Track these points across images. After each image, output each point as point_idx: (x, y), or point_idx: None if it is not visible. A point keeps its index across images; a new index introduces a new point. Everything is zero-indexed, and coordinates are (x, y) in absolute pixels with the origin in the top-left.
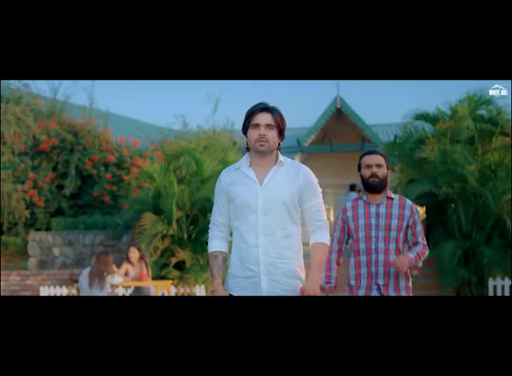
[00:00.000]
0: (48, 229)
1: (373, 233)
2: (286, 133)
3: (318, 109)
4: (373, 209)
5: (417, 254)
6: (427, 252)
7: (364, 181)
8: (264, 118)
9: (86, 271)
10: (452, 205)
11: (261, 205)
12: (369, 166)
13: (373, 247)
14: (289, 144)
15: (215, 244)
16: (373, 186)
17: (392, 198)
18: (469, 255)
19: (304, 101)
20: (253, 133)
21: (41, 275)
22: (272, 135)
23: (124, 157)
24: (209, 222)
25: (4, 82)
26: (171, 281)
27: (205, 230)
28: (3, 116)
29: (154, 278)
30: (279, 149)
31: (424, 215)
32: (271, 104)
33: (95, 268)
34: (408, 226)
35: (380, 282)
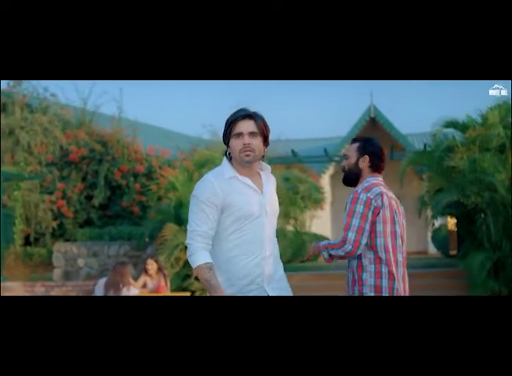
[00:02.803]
0: (76, 239)
1: None
2: (317, 143)
3: (350, 118)
4: None
5: (327, 244)
6: (340, 250)
7: None
8: (246, 126)
9: (102, 281)
10: (482, 215)
11: (268, 216)
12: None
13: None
14: (318, 153)
15: (205, 255)
16: (343, 181)
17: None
18: (499, 267)
19: (335, 111)
20: (236, 143)
21: (66, 286)
22: (257, 143)
23: (153, 167)
24: None
25: (31, 91)
26: (189, 293)
27: None
28: (30, 126)
29: (175, 290)
30: (263, 156)
31: (454, 226)
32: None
33: (110, 279)
34: None
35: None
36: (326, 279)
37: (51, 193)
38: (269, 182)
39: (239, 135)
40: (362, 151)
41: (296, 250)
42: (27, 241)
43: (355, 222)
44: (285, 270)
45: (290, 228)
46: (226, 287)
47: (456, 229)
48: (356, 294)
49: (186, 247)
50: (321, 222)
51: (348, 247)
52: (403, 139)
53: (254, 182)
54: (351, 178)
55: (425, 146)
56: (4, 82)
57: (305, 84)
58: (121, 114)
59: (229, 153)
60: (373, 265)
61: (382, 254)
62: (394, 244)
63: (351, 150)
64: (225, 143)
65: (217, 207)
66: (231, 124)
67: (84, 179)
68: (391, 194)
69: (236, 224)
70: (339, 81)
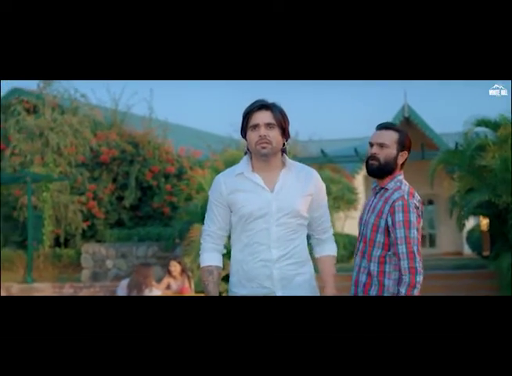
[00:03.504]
0: (104, 240)
1: (360, 229)
2: (350, 143)
3: (383, 119)
4: (370, 200)
5: (392, 288)
6: (414, 289)
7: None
8: (263, 117)
9: (124, 283)
10: None
11: (275, 215)
12: (370, 145)
13: (358, 246)
14: (348, 153)
15: (210, 257)
16: (371, 171)
17: (387, 189)
18: None
19: (368, 111)
20: (252, 135)
21: (94, 287)
22: (274, 135)
23: (184, 167)
24: None
25: (61, 92)
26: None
27: None
28: (59, 127)
29: (202, 291)
30: (284, 150)
31: (486, 226)
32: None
33: (133, 280)
34: (388, 227)
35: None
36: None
37: (81, 194)
38: (293, 179)
39: (256, 126)
40: (402, 145)
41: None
42: (57, 242)
43: (414, 234)
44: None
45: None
46: (238, 289)
47: (488, 230)
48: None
49: None
50: (355, 223)
51: (418, 277)
52: (438, 138)
53: (267, 178)
54: (384, 172)
55: (456, 145)
56: (34, 83)
57: (337, 84)
58: (152, 115)
59: (248, 149)
60: (397, 273)
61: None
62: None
63: (391, 140)
64: (242, 137)
65: (224, 207)
66: (247, 115)
67: (115, 180)
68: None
69: (240, 223)
70: (371, 81)
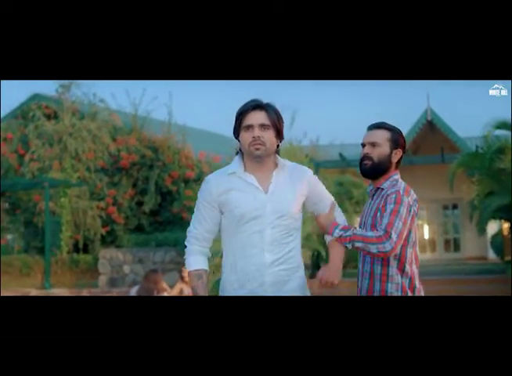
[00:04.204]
0: (122, 246)
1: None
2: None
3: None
4: (367, 203)
5: (360, 235)
6: (375, 246)
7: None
8: (257, 117)
9: (134, 290)
10: None
11: (270, 217)
12: (362, 146)
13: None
14: None
15: (198, 260)
16: (364, 171)
17: (382, 188)
18: None
19: (390, 115)
20: (246, 136)
21: (111, 293)
22: (269, 136)
23: (204, 172)
24: None
25: (79, 97)
26: None
27: None
28: (77, 132)
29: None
30: (277, 152)
31: (508, 230)
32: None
33: (144, 287)
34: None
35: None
36: None
37: (101, 200)
38: (287, 179)
39: (250, 127)
40: (395, 143)
41: (348, 256)
42: (76, 248)
43: (399, 224)
44: (342, 276)
45: None
46: (237, 288)
47: (508, 234)
48: None
49: None
50: None
51: (388, 246)
52: (461, 142)
53: (260, 179)
54: (377, 171)
55: (477, 147)
56: (53, 89)
57: (359, 86)
58: (172, 120)
59: (240, 149)
60: (399, 277)
61: (407, 266)
62: (414, 255)
63: (382, 138)
64: (235, 137)
65: (214, 208)
66: (240, 115)
67: (134, 185)
68: None
69: (233, 225)
70: (394, 83)
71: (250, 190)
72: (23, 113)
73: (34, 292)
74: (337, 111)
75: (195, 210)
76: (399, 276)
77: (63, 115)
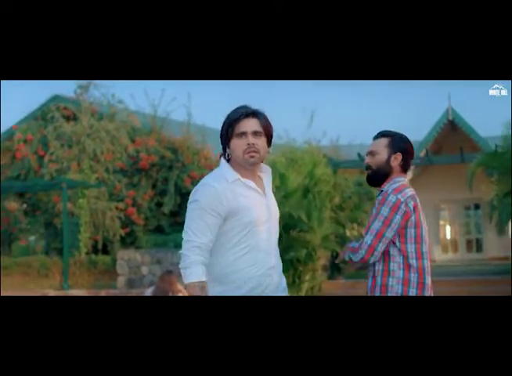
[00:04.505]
0: (140, 247)
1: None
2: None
3: (425, 122)
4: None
5: (350, 246)
6: (355, 255)
7: None
8: (250, 125)
9: (149, 291)
10: None
11: (273, 221)
12: (366, 155)
13: None
14: None
15: (201, 271)
16: (367, 180)
17: (382, 191)
18: None
19: (410, 115)
20: (239, 143)
21: (130, 294)
22: (262, 143)
23: None
24: (293, 240)
25: (98, 98)
26: None
27: (289, 247)
28: (95, 133)
29: None
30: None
31: None
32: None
33: (159, 288)
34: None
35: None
36: None
37: (120, 201)
38: (269, 184)
39: (243, 134)
40: (393, 148)
41: None
42: (95, 249)
43: (376, 225)
44: (361, 277)
45: (354, 233)
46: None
47: None
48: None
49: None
50: None
51: (361, 252)
52: (483, 141)
53: (256, 184)
54: (378, 177)
55: (496, 147)
56: (71, 90)
57: (378, 86)
58: (191, 120)
59: (228, 155)
60: (401, 271)
61: (413, 261)
62: (422, 250)
63: (380, 146)
64: (223, 144)
65: (220, 217)
66: (233, 123)
67: (154, 186)
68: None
69: (242, 232)
70: (415, 83)
71: (255, 196)
72: (42, 115)
73: (52, 293)
74: (357, 111)
75: (194, 218)
76: (401, 271)
77: (82, 116)
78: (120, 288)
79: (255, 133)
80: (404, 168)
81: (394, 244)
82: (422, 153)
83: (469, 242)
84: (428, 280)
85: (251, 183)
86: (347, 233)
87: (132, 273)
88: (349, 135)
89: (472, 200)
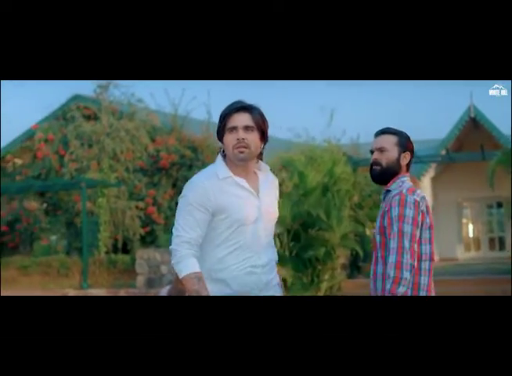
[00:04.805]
0: (159, 246)
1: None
2: (417, 146)
3: (446, 120)
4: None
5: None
6: (399, 289)
7: None
8: (241, 119)
9: (164, 291)
10: None
11: (264, 221)
12: (371, 153)
13: (373, 254)
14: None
15: (194, 263)
16: (374, 177)
17: (390, 190)
18: None
19: (432, 112)
20: (230, 138)
21: (149, 293)
22: (253, 138)
23: None
24: (312, 238)
25: (118, 97)
26: None
27: (307, 246)
28: (115, 133)
29: None
30: (261, 154)
31: None
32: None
33: (174, 287)
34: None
35: None
36: None
37: (141, 200)
38: (268, 183)
39: (233, 129)
40: (403, 146)
41: None
42: (115, 248)
43: (407, 228)
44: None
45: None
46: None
47: None
48: None
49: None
50: None
51: (408, 263)
52: (505, 139)
53: (249, 183)
54: (387, 175)
55: None
56: (91, 89)
57: (399, 85)
58: (211, 119)
59: (223, 151)
60: (412, 277)
61: (426, 264)
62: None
63: (390, 144)
64: (219, 139)
65: (208, 212)
66: (225, 117)
67: (174, 186)
68: None
69: (229, 229)
70: (434, 82)
71: (246, 195)
72: (63, 114)
73: (72, 293)
74: (377, 110)
75: (183, 213)
76: (412, 277)
77: (101, 115)
78: (139, 288)
79: (246, 128)
80: (408, 168)
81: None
82: (443, 151)
83: (491, 240)
84: (424, 280)
85: (243, 182)
86: (367, 231)
87: (152, 273)
88: (369, 134)
89: (494, 198)
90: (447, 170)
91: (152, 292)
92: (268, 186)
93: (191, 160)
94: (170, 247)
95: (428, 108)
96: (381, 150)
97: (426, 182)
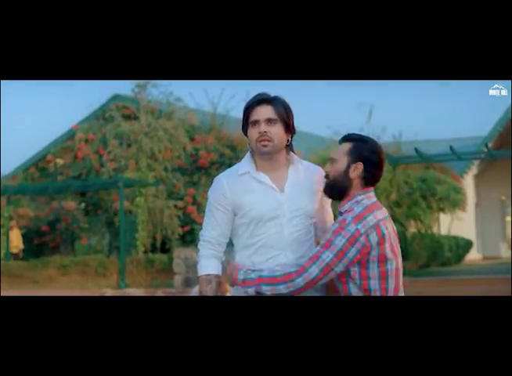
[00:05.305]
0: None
1: None
2: (455, 143)
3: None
4: None
5: (268, 277)
6: (285, 285)
7: None
8: (263, 112)
9: (195, 291)
10: None
11: (288, 216)
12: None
13: None
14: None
15: (209, 265)
16: (325, 193)
17: (341, 212)
18: None
19: (474, 110)
20: (253, 132)
21: (186, 293)
22: (276, 131)
23: None
24: None
25: (156, 96)
26: None
27: None
28: (153, 132)
29: None
30: (290, 148)
31: None
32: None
33: None
34: None
35: None
36: (450, 285)
37: (180, 199)
38: (299, 177)
39: (256, 122)
40: (355, 155)
41: (431, 254)
42: (154, 247)
43: (326, 256)
44: (420, 275)
45: (413, 230)
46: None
47: None
48: None
49: None
50: (461, 225)
51: (300, 282)
52: None
53: (274, 177)
54: (335, 190)
55: None
56: (129, 89)
57: (441, 83)
58: None
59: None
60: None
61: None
62: (396, 285)
63: (340, 153)
64: (244, 134)
65: (228, 211)
66: (247, 110)
67: None
68: (384, 216)
69: (249, 227)
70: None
71: (265, 190)
72: (103, 114)
73: (109, 292)
74: (419, 108)
75: (206, 212)
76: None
77: (140, 115)
78: (176, 287)
79: (269, 121)
80: (367, 182)
81: (353, 280)
82: (485, 149)
83: None
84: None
85: (263, 177)
86: (404, 230)
87: (189, 272)
88: (411, 132)
89: None
90: (490, 167)
91: (189, 292)
92: (300, 180)
93: (230, 159)
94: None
95: (470, 106)
96: (331, 160)
97: (468, 179)
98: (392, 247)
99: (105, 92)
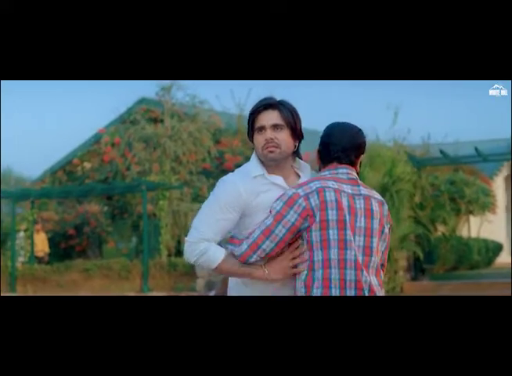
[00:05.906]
0: None
1: None
2: (483, 144)
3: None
4: None
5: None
6: (240, 247)
7: None
8: (269, 118)
9: (211, 294)
10: None
11: None
12: None
13: None
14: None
15: (221, 249)
16: None
17: None
18: None
19: (500, 111)
20: (259, 138)
21: (209, 296)
22: (283, 137)
23: None
24: None
25: (180, 99)
26: None
27: None
28: (177, 135)
29: None
30: (298, 154)
31: None
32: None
33: (220, 292)
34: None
35: None
36: (479, 289)
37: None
38: None
39: (262, 128)
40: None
41: (459, 257)
42: (178, 251)
43: (267, 220)
44: (448, 279)
45: (438, 234)
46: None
47: None
48: None
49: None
50: (491, 227)
51: (243, 247)
52: None
53: (287, 182)
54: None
55: None
56: (153, 92)
57: (467, 85)
58: None
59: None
60: (303, 289)
61: (318, 273)
62: (342, 258)
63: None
64: (249, 140)
65: (236, 212)
66: (252, 116)
67: None
68: (349, 189)
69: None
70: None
71: (279, 192)
72: (129, 117)
73: (132, 295)
74: (448, 110)
75: (206, 209)
76: (304, 289)
77: (164, 117)
78: (199, 291)
79: (275, 126)
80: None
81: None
82: None
83: None
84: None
85: (278, 179)
86: (428, 232)
87: (212, 275)
88: (438, 134)
89: None
90: None
91: (212, 295)
92: None
93: None
94: (186, 238)
95: (497, 107)
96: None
97: (499, 181)
98: (342, 215)
99: (132, 96)
